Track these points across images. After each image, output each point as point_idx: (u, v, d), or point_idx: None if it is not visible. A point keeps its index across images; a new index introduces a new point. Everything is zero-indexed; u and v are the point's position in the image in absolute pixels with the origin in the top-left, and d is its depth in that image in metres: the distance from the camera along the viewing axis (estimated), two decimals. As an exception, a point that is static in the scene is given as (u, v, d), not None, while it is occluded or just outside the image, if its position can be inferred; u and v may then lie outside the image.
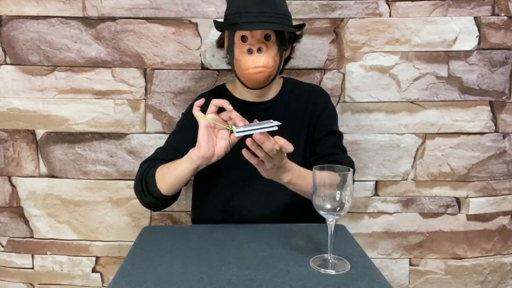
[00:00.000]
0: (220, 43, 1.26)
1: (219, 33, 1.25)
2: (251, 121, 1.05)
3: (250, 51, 1.11)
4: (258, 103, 1.24)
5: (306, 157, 1.24)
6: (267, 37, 1.11)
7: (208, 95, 1.28)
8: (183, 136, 1.21)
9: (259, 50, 1.11)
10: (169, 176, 1.08)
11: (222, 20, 1.19)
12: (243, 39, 1.12)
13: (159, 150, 1.22)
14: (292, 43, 1.24)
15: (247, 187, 1.20)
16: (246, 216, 1.17)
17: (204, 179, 1.24)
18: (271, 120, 0.94)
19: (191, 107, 1.25)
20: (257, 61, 1.10)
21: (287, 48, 1.22)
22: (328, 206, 0.83)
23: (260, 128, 0.91)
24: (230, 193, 1.21)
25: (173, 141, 1.23)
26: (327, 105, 1.27)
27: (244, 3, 1.11)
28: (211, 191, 1.24)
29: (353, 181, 1.08)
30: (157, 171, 1.10)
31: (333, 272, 0.84)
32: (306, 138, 1.24)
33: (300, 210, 1.21)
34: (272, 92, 1.25)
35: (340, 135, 1.28)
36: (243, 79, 1.15)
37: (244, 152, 0.96)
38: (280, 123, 0.92)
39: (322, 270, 0.85)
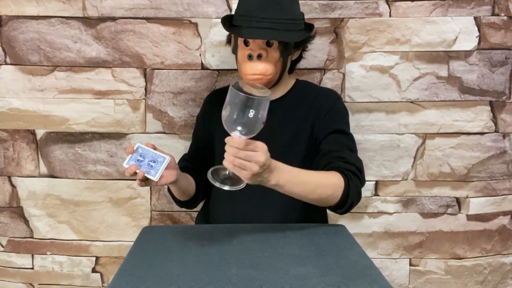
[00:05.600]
0: (229, 40, 1.24)
1: (219, 33, 1.25)
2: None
3: (250, 57, 1.09)
4: None
5: (307, 159, 1.23)
6: (269, 43, 1.09)
7: (223, 91, 1.29)
8: (198, 139, 1.31)
9: (259, 56, 1.09)
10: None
11: (233, 13, 1.17)
12: (246, 43, 1.11)
13: (183, 158, 1.30)
14: (300, 46, 1.19)
15: (250, 191, 1.19)
16: (249, 220, 1.17)
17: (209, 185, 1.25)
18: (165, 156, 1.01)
19: (202, 107, 1.33)
20: (255, 68, 1.09)
21: (294, 52, 1.19)
22: (239, 127, 0.84)
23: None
24: (232, 199, 1.21)
25: (193, 144, 1.33)
26: (333, 106, 1.21)
27: (251, 5, 1.09)
28: (215, 196, 1.25)
29: (364, 181, 1.09)
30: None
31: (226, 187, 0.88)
32: (308, 140, 1.21)
33: (301, 213, 1.20)
34: (279, 92, 1.22)
35: (348, 134, 1.19)
36: (244, 81, 1.14)
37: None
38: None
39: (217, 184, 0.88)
